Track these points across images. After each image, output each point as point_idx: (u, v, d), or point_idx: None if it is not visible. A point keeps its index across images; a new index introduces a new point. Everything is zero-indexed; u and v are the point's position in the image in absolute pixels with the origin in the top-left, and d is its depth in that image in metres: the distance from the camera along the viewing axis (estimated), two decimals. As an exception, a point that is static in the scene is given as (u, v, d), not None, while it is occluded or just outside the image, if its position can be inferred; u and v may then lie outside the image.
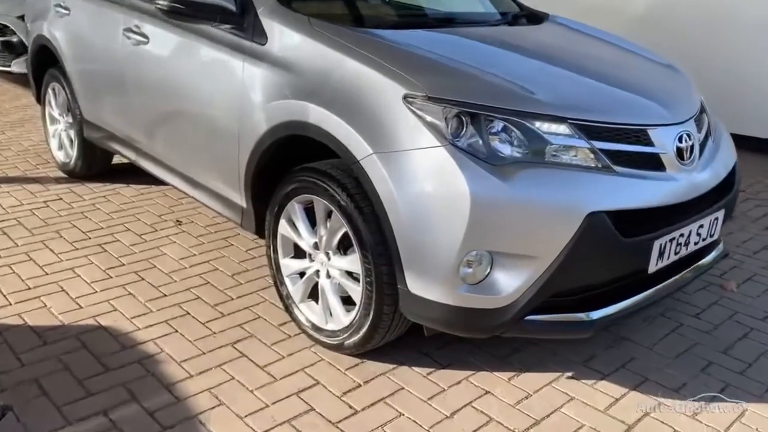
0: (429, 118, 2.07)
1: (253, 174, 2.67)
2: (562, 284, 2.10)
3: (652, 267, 2.24)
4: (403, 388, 2.38)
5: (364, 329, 2.35)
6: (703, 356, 2.62)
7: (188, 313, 2.79)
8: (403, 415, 2.24)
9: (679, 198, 2.27)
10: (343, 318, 2.45)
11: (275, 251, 2.70)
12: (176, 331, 2.67)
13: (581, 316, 2.16)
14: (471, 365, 2.51)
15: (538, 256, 2.04)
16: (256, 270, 3.18)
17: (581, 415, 2.27)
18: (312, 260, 2.56)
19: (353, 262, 2.34)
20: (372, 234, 2.22)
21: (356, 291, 2.37)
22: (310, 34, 2.47)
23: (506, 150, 2.07)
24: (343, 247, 2.47)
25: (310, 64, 2.42)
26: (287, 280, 2.68)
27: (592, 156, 2.12)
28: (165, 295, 2.93)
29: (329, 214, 2.41)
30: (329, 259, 2.47)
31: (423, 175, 2.05)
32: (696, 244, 2.42)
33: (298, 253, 2.66)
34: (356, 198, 2.25)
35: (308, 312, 2.62)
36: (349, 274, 2.44)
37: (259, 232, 2.82)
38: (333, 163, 2.39)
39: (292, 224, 2.60)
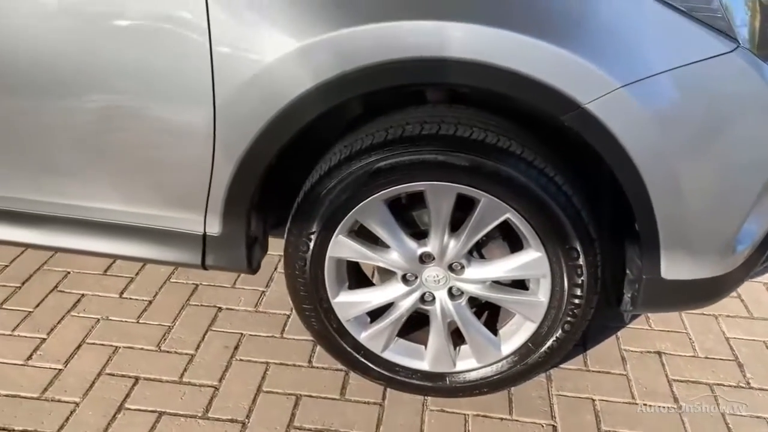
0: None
1: (261, 173, 1.44)
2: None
3: None
4: (592, 399, 1.73)
5: (553, 347, 1.58)
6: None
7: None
8: (646, 436, 1.63)
9: None
10: (496, 347, 1.61)
11: (320, 288, 1.59)
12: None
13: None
14: (601, 331, 1.97)
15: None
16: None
17: (748, 331, 1.99)
18: (409, 282, 1.58)
19: (525, 266, 1.49)
20: (587, 216, 1.41)
21: (529, 305, 1.55)
22: None
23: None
24: (475, 248, 1.58)
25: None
26: (350, 327, 1.64)
27: None
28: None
29: (460, 206, 1.45)
30: (456, 272, 1.54)
31: (703, 99, 1.31)
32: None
33: (355, 280, 1.64)
34: (547, 168, 1.38)
35: (405, 358, 1.67)
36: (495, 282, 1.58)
37: (253, 266, 1.63)
38: (483, 119, 1.40)
39: (362, 237, 1.53)
